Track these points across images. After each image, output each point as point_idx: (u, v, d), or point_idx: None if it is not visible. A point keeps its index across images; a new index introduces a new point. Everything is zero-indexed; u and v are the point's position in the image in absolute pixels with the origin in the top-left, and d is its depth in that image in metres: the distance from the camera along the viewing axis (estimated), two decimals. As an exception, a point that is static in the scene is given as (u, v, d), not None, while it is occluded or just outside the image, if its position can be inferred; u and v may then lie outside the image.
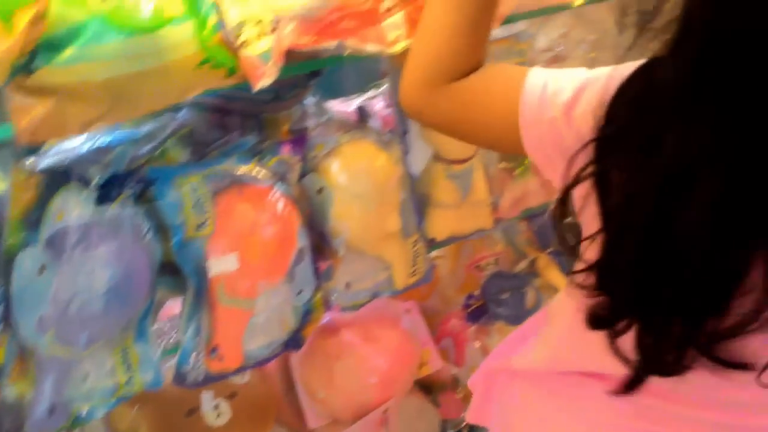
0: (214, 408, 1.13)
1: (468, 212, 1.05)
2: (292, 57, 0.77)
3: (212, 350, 0.86)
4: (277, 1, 0.71)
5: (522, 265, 1.40)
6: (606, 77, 0.57)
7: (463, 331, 1.33)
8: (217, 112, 0.94)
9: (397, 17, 0.81)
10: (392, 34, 0.80)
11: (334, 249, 0.94)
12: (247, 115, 0.95)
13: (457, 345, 1.33)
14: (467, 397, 1.34)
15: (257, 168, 0.83)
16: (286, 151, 0.86)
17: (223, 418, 1.13)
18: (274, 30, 0.72)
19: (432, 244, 1.07)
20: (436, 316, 1.43)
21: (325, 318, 1.06)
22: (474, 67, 0.64)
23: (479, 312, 1.30)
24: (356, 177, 0.90)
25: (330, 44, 0.77)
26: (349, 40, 0.78)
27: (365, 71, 1.07)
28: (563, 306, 0.71)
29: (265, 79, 0.72)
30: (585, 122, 0.56)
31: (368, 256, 0.98)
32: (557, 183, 0.60)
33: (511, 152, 0.68)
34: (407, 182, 0.97)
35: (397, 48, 0.81)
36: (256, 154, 0.84)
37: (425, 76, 0.65)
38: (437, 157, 1.03)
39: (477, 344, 1.32)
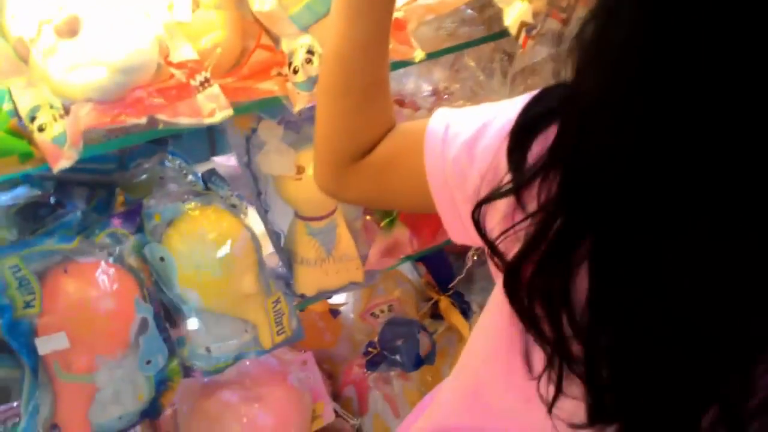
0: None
1: (335, 267, 1.05)
2: (116, 132, 0.78)
3: (52, 427, 0.85)
4: (67, 86, 0.72)
5: (423, 309, 1.40)
6: (506, 112, 0.55)
7: (364, 379, 1.32)
8: (63, 185, 0.95)
9: (213, 89, 0.81)
10: (208, 106, 0.81)
11: (184, 315, 0.94)
12: (94, 186, 0.96)
13: (360, 393, 1.33)
14: (373, 446, 1.33)
15: (84, 243, 0.83)
16: (116, 224, 0.86)
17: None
18: (67, 113, 0.72)
19: (303, 299, 1.07)
20: (343, 364, 1.42)
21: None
22: (383, 135, 0.63)
23: (377, 360, 1.29)
24: (198, 244, 0.90)
25: (140, 120, 0.77)
26: (160, 115, 0.79)
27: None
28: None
29: (62, 161, 0.72)
30: (486, 158, 0.54)
31: (227, 319, 0.98)
32: (468, 237, 0.57)
33: (427, 210, 0.64)
34: (257, 244, 0.97)
35: (216, 118, 0.82)
36: (81, 230, 0.84)
37: (331, 159, 0.65)
38: (297, 215, 1.03)
39: (378, 393, 1.31)
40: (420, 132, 0.59)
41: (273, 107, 0.92)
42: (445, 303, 1.38)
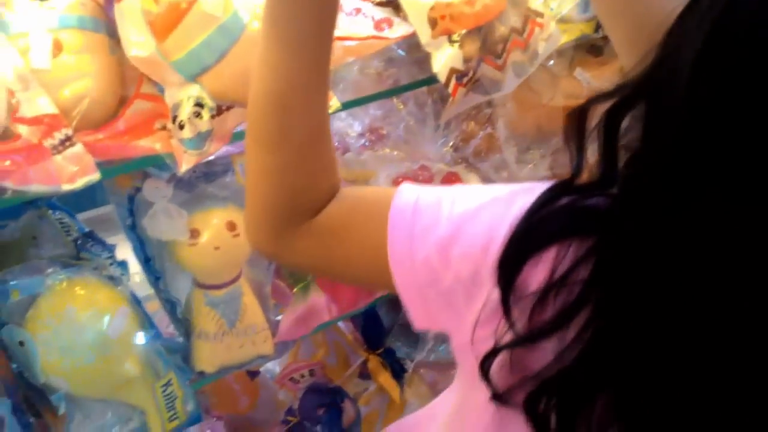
0: None
1: (239, 341, 0.92)
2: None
3: None
4: None
5: (350, 369, 1.28)
6: (486, 212, 0.50)
7: (283, 451, 1.19)
8: None
9: (75, 149, 0.69)
10: (68, 169, 0.68)
11: (53, 406, 0.80)
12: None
13: (280, 465, 1.20)
14: None
15: None
16: (-38, 306, 0.72)
17: None
18: None
19: (202, 377, 0.94)
20: (265, 428, 1.29)
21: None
22: (328, 195, 0.55)
23: (297, 430, 1.16)
24: (65, 326, 0.77)
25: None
26: (6, 182, 0.65)
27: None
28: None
29: None
30: (464, 266, 0.49)
31: (108, 405, 0.84)
32: (436, 324, 0.54)
33: (384, 287, 0.56)
34: (143, 319, 0.83)
35: (78, 184, 0.69)
36: None
37: (268, 220, 0.56)
38: (195, 282, 0.90)
39: (298, 467, 1.18)
40: (382, 206, 0.53)
41: (160, 162, 0.80)
42: (374, 363, 1.26)
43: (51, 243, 0.87)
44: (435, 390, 1.39)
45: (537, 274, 0.48)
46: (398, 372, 1.27)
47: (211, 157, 0.80)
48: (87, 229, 0.89)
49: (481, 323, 0.50)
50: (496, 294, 0.50)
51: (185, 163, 0.75)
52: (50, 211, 0.90)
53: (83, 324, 0.77)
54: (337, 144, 1.21)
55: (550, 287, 0.47)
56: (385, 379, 1.23)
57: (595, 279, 0.46)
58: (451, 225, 0.51)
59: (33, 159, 0.66)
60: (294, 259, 0.59)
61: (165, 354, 0.88)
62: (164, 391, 0.87)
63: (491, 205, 0.51)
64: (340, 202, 0.55)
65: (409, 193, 0.54)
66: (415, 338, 1.40)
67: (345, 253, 0.56)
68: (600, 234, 0.46)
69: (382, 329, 1.27)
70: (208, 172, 0.86)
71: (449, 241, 0.50)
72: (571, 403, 0.47)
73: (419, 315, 0.54)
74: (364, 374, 1.30)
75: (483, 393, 0.54)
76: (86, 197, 0.99)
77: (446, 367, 1.41)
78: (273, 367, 1.35)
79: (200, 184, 0.86)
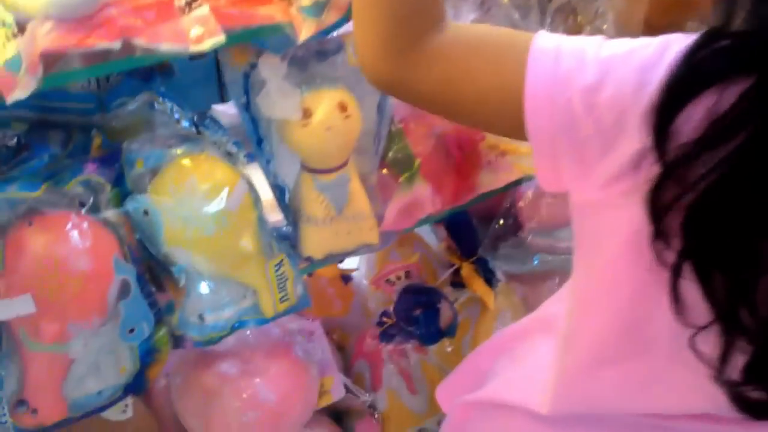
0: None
1: (346, 227, 0.93)
2: (84, 60, 0.66)
3: (18, 404, 0.75)
4: (20, -3, 0.59)
5: (443, 277, 1.28)
6: (634, 59, 0.49)
7: (378, 352, 1.21)
8: (37, 127, 0.83)
9: (202, 10, 0.69)
10: (195, 30, 0.68)
11: (174, 278, 0.82)
12: (71, 129, 0.84)
13: (373, 367, 1.21)
14: (387, 422, 1.22)
15: (52, 192, 0.71)
16: (91, 170, 0.74)
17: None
18: (22, 32, 0.60)
19: (310, 263, 0.95)
20: (354, 334, 1.31)
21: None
22: (437, 19, 0.54)
23: (392, 331, 1.17)
24: (187, 196, 0.78)
25: (112, 44, 0.65)
26: (137, 39, 0.66)
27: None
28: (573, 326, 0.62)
29: (18, 90, 0.60)
30: (609, 112, 0.48)
31: (223, 283, 0.86)
32: (560, 183, 0.53)
33: (507, 133, 0.58)
34: (257, 198, 0.84)
35: (205, 46, 0.69)
36: (49, 176, 0.72)
37: (388, 42, 0.54)
38: (304, 167, 0.90)
39: (392, 367, 1.19)
40: (515, 44, 0.52)
41: (276, 39, 0.80)
42: (468, 270, 1.25)
43: (164, 128, 0.88)
44: (526, 303, 1.38)
45: (691, 119, 0.47)
46: (490, 281, 1.26)
47: (326, 36, 0.80)
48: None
49: (617, 177, 0.50)
50: (636, 145, 0.48)
51: (305, 31, 0.75)
52: (161, 99, 0.91)
53: (204, 194, 0.78)
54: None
55: (713, 131, 0.46)
56: (479, 285, 1.23)
57: (751, 113, 0.45)
58: (598, 68, 0.49)
59: (162, 16, 0.67)
60: (416, 86, 0.55)
61: (277, 235, 0.89)
62: (276, 270, 0.88)
63: (642, 50, 0.49)
64: (463, 31, 0.54)
65: (548, 37, 0.52)
66: (505, 252, 1.39)
67: (473, 87, 0.53)
68: (762, 72, 0.45)
69: (475, 237, 1.26)
70: (321, 51, 0.85)
71: (596, 85, 0.49)
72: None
73: (545, 168, 0.53)
74: (456, 283, 1.29)
75: (611, 267, 0.55)
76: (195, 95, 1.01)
77: (538, 280, 1.40)
78: (362, 277, 1.36)
79: (312, 64, 0.85)
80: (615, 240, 0.53)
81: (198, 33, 0.68)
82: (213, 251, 0.81)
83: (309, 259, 0.94)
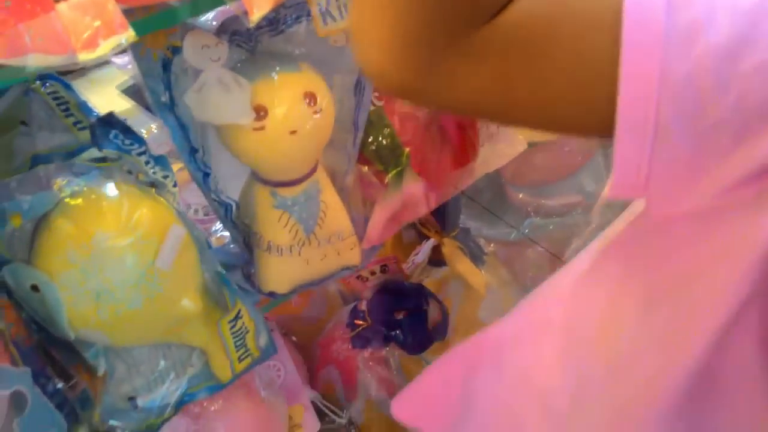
0: None
1: (321, 251, 0.69)
2: None
3: None
4: None
5: (420, 257, 1.07)
6: None
7: (350, 358, 1.00)
8: None
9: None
10: (84, 24, 0.41)
11: (89, 364, 0.58)
12: None
13: (345, 375, 1.01)
14: (365, 435, 1.04)
15: None
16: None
17: None
18: None
19: (273, 297, 0.72)
20: (316, 328, 1.10)
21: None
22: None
23: (367, 334, 0.97)
24: (95, 261, 0.52)
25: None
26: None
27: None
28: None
29: None
30: (757, 84, 0.32)
31: (158, 350, 0.62)
32: (646, 188, 0.35)
33: (593, 131, 0.37)
34: (198, 238, 0.59)
35: (102, 50, 0.42)
36: None
37: (423, 36, 0.36)
38: (259, 179, 0.65)
39: (369, 375, 1.00)
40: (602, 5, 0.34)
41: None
42: (450, 247, 1.04)
43: (47, 130, 0.60)
44: (512, 270, 1.20)
45: None
46: (477, 255, 1.06)
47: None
48: (96, 111, 0.62)
49: (751, 178, 0.33)
50: None
51: (257, 8, 0.48)
52: (37, 82, 0.62)
53: (122, 256, 0.53)
54: None
55: None
56: (466, 266, 1.02)
57: None
58: (735, 24, 0.32)
59: (25, 12, 0.39)
60: (453, 93, 0.38)
61: (228, 278, 0.65)
62: (233, 327, 0.64)
63: None
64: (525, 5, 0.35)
65: None
66: (482, 210, 1.19)
67: (538, 76, 0.36)
68: None
69: (458, 206, 1.05)
70: (273, 20, 0.58)
71: (735, 49, 0.32)
72: None
73: (631, 170, 0.35)
74: (435, 261, 1.09)
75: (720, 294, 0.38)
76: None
77: (523, 246, 1.21)
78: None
79: (263, 39, 0.58)
80: (733, 259, 0.37)
81: (88, 29, 0.41)
82: (141, 326, 0.57)
83: (272, 294, 0.70)
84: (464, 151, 0.78)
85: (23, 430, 0.53)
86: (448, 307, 1.12)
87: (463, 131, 0.76)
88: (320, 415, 0.98)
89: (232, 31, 0.56)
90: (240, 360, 0.67)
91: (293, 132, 0.59)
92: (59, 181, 0.52)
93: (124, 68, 0.99)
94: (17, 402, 0.53)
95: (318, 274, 0.71)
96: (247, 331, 0.66)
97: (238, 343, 0.66)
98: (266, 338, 0.69)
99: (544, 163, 1.11)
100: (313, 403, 0.96)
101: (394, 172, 0.72)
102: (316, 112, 0.60)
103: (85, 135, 0.60)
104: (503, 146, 0.85)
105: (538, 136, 0.87)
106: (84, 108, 0.60)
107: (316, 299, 1.10)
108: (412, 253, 1.09)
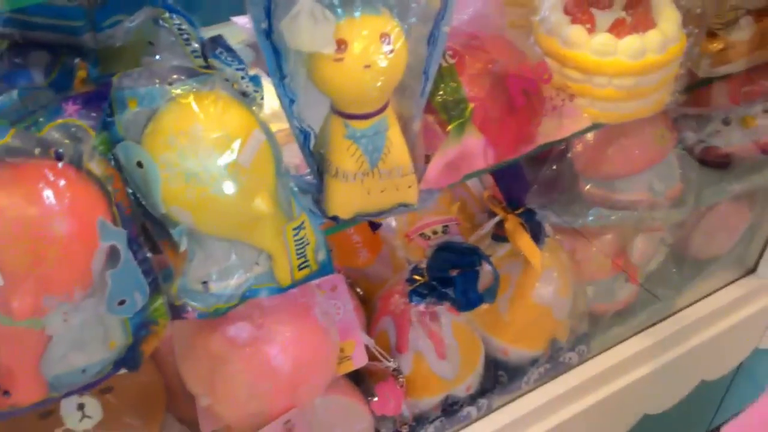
0: (77, 408, 0.92)
1: (380, 184, 0.78)
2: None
3: (-14, 386, 0.63)
4: None
5: (485, 230, 1.13)
6: None
7: (406, 311, 1.08)
8: (17, 47, 0.68)
9: None
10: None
11: (173, 241, 0.68)
12: (59, 50, 0.68)
13: (399, 327, 1.09)
14: (410, 387, 1.11)
15: (22, 138, 0.57)
16: (72, 112, 0.59)
17: (90, 421, 0.93)
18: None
19: (336, 222, 0.81)
20: (381, 286, 1.18)
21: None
22: None
23: (423, 291, 1.04)
24: (190, 147, 0.63)
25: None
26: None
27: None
28: None
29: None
30: None
31: (232, 246, 0.73)
32: None
33: None
34: (277, 148, 0.69)
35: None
36: (20, 118, 0.57)
37: None
38: (334, 110, 0.74)
39: (420, 329, 1.07)
40: None
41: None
42: (513, 223, 1.10)
43: (169, 52, 0.72)
44: (574, 259, 1.24)
45: None
46: (538, 236, 1.11)
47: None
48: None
49: None
50: None
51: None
52: (168, 14, 0.74)
53: (211, 146, 0.63)
54: None
55: None
56: (525, 242, 1.08)
57: None
58: None
59: None
60: None
61: (299, 188, 0.75)
62: (296, 235, 0.74)
63: None
64: None
65: None
66: (555, 200, 1.24)
67: None
68: None
69: (525, 187, 1.11)
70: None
71: None
72: None
73: None
74: (498, 236, 1.15)
75: None
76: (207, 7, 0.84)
77: (588, 236, 1.25)
78: (392, 220, 1.23)
79: (352, -17, 0.68)
80: None
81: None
82: (220, 213, 0.67)
83: (335, 218, 0.79)
84: (526, 116, 0.84)
85: (113, 282, 0.64)
86: (506, 284, 1.18)
87: (527, 97, 0.83)
88: (372, 359, 1.06)
89: (325, -28, 0.66)
90: (300, 268, 0.76)
91: (367, 66, 0.69)
92: (171, 78, 0.63)
93: (243, 28, 1.13)
94: (113, 256, 0.64)
95: (377, 206, 0.80)
96: (308, 243, 0.75)
97: (300, 252, 0.75)
98: (325, 255, 0.78)
99: (616, 157, 1.15)
100: (367, 348, 1.04)
101: (456, 123, 0.80)
102: (389, 52, 0.69)
103: (199, 62, 0.71)
104: (567, 121, 0.90)
105: (603, 116, 0.92)
106: (201, 41, 0.72)
107: (383, 258, 1.19)
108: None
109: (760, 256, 1.46)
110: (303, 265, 0.76)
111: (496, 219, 1.11)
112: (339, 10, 0.68)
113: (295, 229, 0.73)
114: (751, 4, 0.96)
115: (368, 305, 1.16)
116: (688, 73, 0.99)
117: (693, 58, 0.96)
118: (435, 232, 1.04)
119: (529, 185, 1.18)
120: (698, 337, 1.42)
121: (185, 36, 0.73)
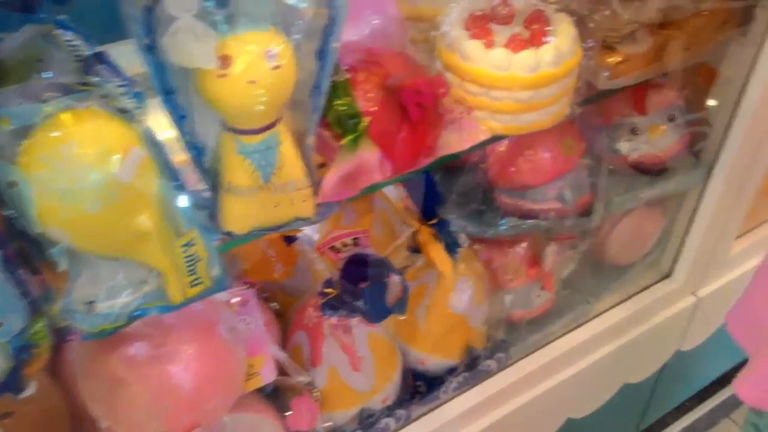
0: (-27, 435, 0.89)
1: (274, 198, 0.77)
2: None
3: None
4: None
5: (399, 241, 1.14)
6: None
7: (318, 325, 1.08)
8: None
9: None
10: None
11: (51, 262, 0.67)
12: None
13: (312, 341, 1.08)
14: (325, 400, 1.11)
15: None
16: (-66, 131, 0.57)
17: (-15, 448, 0.90)
18: None
19: (231, 238, 0.80)
20: (300, 299, 1.18)
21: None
22: None
23: (335, 303, 1.04)
24: (64, 164, 0.62)
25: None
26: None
27: None
28: None
29: None
30: None
31: (119, 265, 0.71)
32: None
33: None
34: (162, 162, 0.68)
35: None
36: None
37: None
38: (225, 126, 0.74)
39: (334, 342, 1.06)
40: None
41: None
42: (425, 235, 1.12)
43: (59, 68, 0.70)
44: (490, 268, 1.25)
45: None
46: (451, 246, 1.13)
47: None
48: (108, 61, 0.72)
49: None
50: None
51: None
52: (58, 30, 0.73)
53: (87, 163, 0.62)
54: None
55: None
56: (437, 252, 1.09)
57: None
58: None
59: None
60: None
61: (188, 209, 0.74)
62: (185, 252, 0.73)
63: None
64: None
65: None
66: (471, 211, 1.25)
67: None
68: None
69: (437, 198, 1.12)
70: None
71: None
72: None
73: None
74: (414, 247, 1.16)
75: None
76: (102, 24, 0.82)
77: (504, 245, 1.27)
78: (312, 233, 1.22)
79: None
80: None
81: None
82: (98, 231, 0.66)
83: (229, 234, 0.79)
84: (423, 129, 0.85)
85: (-12, 305, 0.62)
86: (423, 294, 1.19)
87: (423, 111, 0.84)
88: (285, 374, 1.05)
89: (206, -12, 0.66)
90: (192, 285, 0.75)
91: (252, 81, 0.68)
92: (46, 95, 0.62)
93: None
94: (-16, 278, 0.62)
95: (273, 220, 0.79)
96: (200, 259, 0.74)
97: (191, 268, 0.74)
98: (219, 271, 0.77)
99: (525, 168, 1.17)
100: (281, 363, 1.04)
101: (350, 137, 0.80)
102: (276, 67, 0.69)
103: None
104: (467, 134, 0.92)
105: (502, 129, 0.93)
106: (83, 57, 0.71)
107: (301, 271, 1.18)
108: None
109: (675, 261, 1.50)
110: (195, 282, 0.75)
111: (410, 231, 1.12)
112: (223, 27, 0.68)
113: (184, 245, 0.72)
114: (646, 18, 0.99)
115: (285, 319, 1.15)
116: (589, 85, 1.02)
117: (591, 71, 0.98)
118: (345, 245, 1.05)
119: (445, 196, 1.19)
120: (618, 340, 1.45)
121: (76, 52, 0.72)
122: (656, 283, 1.51)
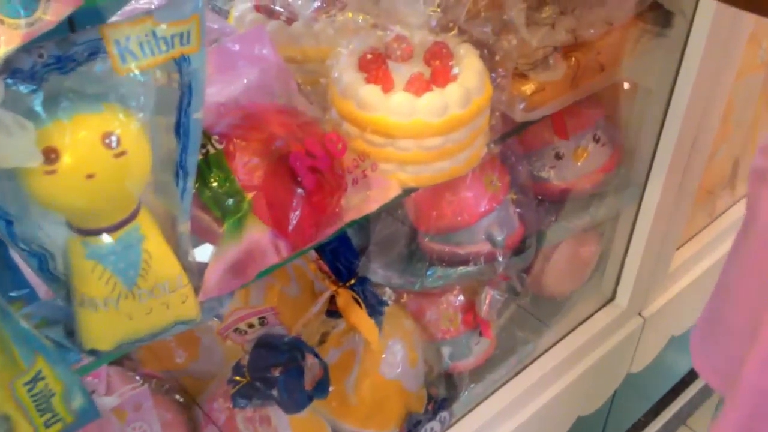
0: None
1: (145, 305, 0.64)
2: None
3: None
4: None
5: (314, 310, 1.01)
6: None
7: (231, 418, 0.94)
8: None
9: None
10: None
11: None
12: None
13: (226, 436, 0.95)
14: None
15: None
16: None
17: None
18: None
19: (96, 356, 0.66)
20: (208, 385, 1.04)
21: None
22: None
23: (247, 392, 0.90)
24: None
25: None
26: None
27: None
28: None
29: None
30: None
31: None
32: None
33: None
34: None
35: None
36: None
37: None
38: (69, 227, 0.60)
39: (251, 436, 0.93)
40: None
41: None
42: (344, 298, 0.99)
43: None
44: (422, 321, 1.14)
45: None
46: (376, 307, 1.01)
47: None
48: None
49: None
50: None
51: (4, 44, 0.44)
52: None
53: None
54: (281, 10, 0.89)
55: None
56: (359, 318, 0.97)
57: None
58: None
59: None
60: None
61: (31, 334, 0.60)
62: (30, 390, 0.59)
63: None
64: None
65: None
66: (394, 258, 1.14)
67: None
68: None
69: (353, 254, 1.00)
70: (63, 57, 0.54)
71: None
72: None
73: None
74: (333, 311, 1.04)
75: None
76: None
77: (434, 295, 1.16)
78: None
79: (52, 77, 0.54)
80: None
81: None
82: None
83: (94, 352, 0.65)
84: (322, 196, 0.73)
85: None
86: (351, 361, 1.07)
87: (318, 175, 0.72)
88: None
89: (13, 70, 0.52)
90: (47, 426, 0.61)
91: (90, 175, 0.55)
92: None
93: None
94: None
95: (147, 329, 0.66)
96: (53, 394, 0.60)
97: (41, 408, 0.60)
98: (83, 401, 0.63)
99: (446, 210, 1.07)
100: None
101: (232, 219, 0.67)
102: (118, 155, 0.56)
103: None
104: (375, 192, 0.80)
105: (414, 180, 0.82)
106: None
107: (208, 351, 1.04)
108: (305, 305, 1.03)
109: (617, 282, 1.42)
110: (51, 422, 0.61)
111: (326, 295, 1.00)
112: (42, 114, 0.54)
113: (27, 383, 0.58)
114: (557, 42, 0.89)
115: (195, 412, 1.01)
116: (506, 117, 0.92)
117: (506, 104, 0.88)
118: (251, 326, 0.92)
119: (361, 250, 1.07)
120: (567, 376, 1.36)
121: None
122: (600, 308, 1.42)
